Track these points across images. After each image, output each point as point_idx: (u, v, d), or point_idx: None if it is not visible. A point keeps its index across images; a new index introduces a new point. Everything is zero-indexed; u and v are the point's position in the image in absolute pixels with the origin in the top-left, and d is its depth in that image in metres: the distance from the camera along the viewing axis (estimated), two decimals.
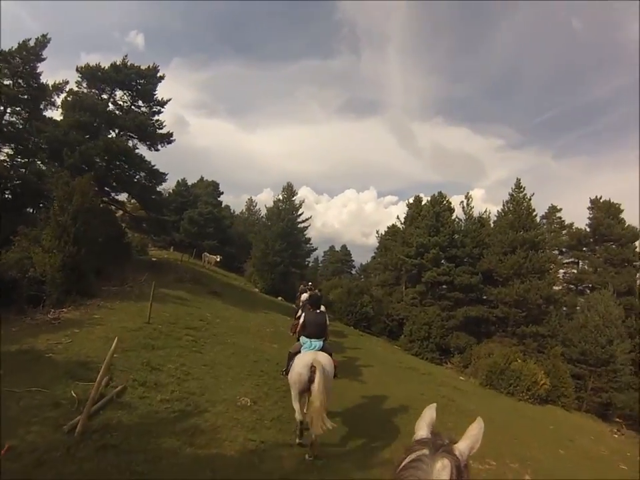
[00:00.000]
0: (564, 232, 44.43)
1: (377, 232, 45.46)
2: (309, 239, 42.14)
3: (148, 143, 27.84)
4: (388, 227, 46.01)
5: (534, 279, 30.95)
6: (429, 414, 1.61)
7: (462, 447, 1.41)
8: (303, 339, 7.90)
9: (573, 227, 44.13)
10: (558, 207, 45.89)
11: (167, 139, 28.79)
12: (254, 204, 63.61)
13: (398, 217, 42.36)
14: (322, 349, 7.66)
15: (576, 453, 14.50)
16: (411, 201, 41.36)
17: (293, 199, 39.84)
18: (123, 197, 28.17)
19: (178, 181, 55.34)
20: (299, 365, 7.15)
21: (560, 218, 46.06)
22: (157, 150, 28.47)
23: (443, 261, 34.74)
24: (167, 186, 44.46)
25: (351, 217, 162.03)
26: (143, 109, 28.16)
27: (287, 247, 36.41)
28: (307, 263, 46.91)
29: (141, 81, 27.23)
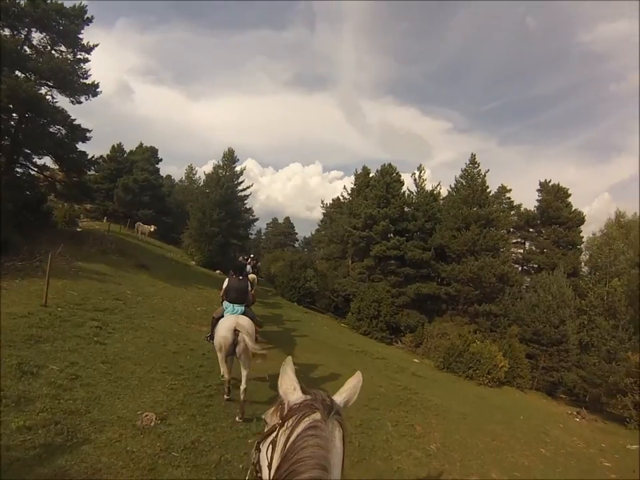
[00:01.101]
0: (512, 212, 43.63)
1: (322, 202, 43.21)
2: (250, 209, 39.52)
3: (67, 92, 24.23)
4: (333, 199, 43.84)
5: (487, 257, 29.74)
6: (290, 368, 1.62)
7: (339, 400, 1.49)
8: (225, 303, 8.24)
9: (522, 208, 43.51)
10: (507, 187, 44.88)
11: (92, 89, 25.14)
12: (194, 172, 59.63)
13: (345, 188, 39.90)
14: (244, 314, 7.87)
15: (556, 450, 13.00)
16: (359, 171, 39.04)
17: (234, 165, 36.89)
18: (47, 161, 24.58)
19: (113, 146, 50.69)
20: (223, 329, 7.34)
21: (509, 198, 45.20)
22: (79, 102, 24.76)
23: (392, 235, 33.00)
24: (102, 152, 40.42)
25: (295, 191, 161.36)
26: (67, 56, 24.48)
27: (225, 217, 33.62)
28: (249, 234, 44.19)
29: (63, 21, 23.48)
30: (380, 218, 31.95)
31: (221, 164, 36.78)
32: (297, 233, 79.84)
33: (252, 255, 38.73)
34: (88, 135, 24.84)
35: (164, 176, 58.35)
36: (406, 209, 34.37)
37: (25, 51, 22.55)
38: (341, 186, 69.85)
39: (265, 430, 1.50)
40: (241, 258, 19.37)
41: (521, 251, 42.48)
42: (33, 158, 23.52)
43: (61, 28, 23.43)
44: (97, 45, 24.94)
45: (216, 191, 34.45)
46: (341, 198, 42.77)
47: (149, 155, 48.92)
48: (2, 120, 20.23)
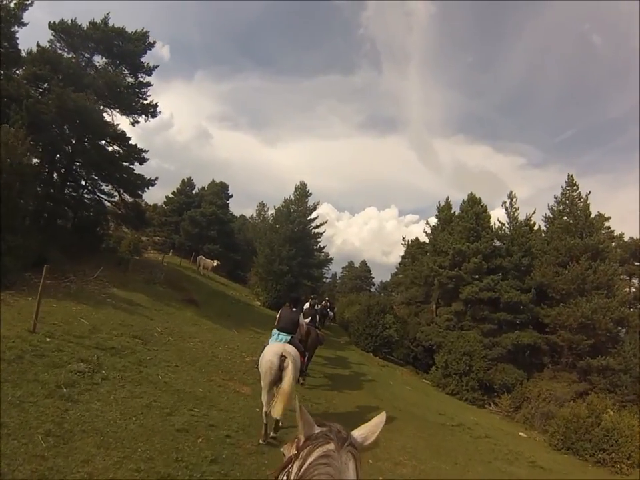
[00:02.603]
0: (613, 244, 36.99)
1: (403, 239, 38.49)
2: (323, 247, 35.54)
3: (124, 110, 22.44)
4: (411, 240, 39.23)
5: (600, 297, 24.14)
6: (304, 412, 1.51)
7: (356, 435, 1.48)
8: (274, 331, 8.31)
9: (623, 239, 37.01)
10: (606, 215, 37.91)
11: (151, 110, 23.38)
12: (265, 209, 57.40)
13: (427, 223, 35.08)
14: (290, 343, 7.80)
15: None
16: (442, 203, 34.59)
17: (306, 200, 33.55)
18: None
19: (183, 180, 50.14)
20: (269, 354, 7.33)
21: (609, 228, 38.28)
22: (136, 122, 23.44)
23: (484, 274, 27.92)
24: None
25: (371, 235, 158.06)
26: (129, 78, 22.87)
27: (296, 254, 30.10)
28: (323, 274, 40.52)
29: (123, 44, 21.95)
30: (471, 254, 27.26)
31: (293, 199, 33.53)
32: (373, 277, 76.63)
33: (327, 298, 36.22)
34: (144, 155, 22.79)
35: (238, 215, 57.24)
36: (496, 243, 29.48)
37: (84, 70, 21.02)
38: (416, 230, 66.04)
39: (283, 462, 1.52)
40: (311, 300, 16.66)
41: (629, 289, 35.21)
42: (86, 177, 21.81)
43: (121, 49, 21.98)
44: (157, 67, 23.65)
45: (286, 226, 31.26)
46: (420, 239, 38.38)
47: (218, 190, 47.11)
48: (51, 132, 18.40)
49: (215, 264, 32.99)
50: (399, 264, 49.69)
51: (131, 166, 22.50)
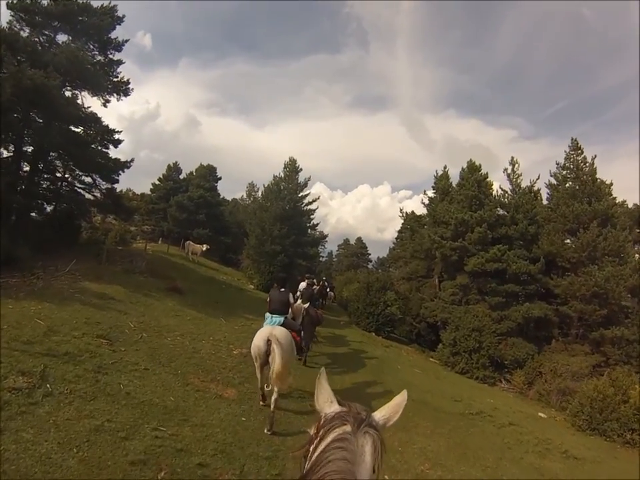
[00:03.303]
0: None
1: (401, 211, 36.47)
2: (317, 225, 33.76)
3: (92, 89, 20.50)
4: (408, 213, 37.27)
5: (613, 264, 22.68)
6: (325, 381, 1.61)
7: (378, 417, 1.47)
8: (266, 314, 8.37)
9: (627, 204, 35.31)
10: (607, 182, 36.13)
11: (122, 87, 21.48)
12: (256, 189, 55.46)
13: (422, 202, 33.20)
14: (283, 324, 7.99)
15: None
16: (440, 172, 32.75)
17: (296, 176, 31.73)
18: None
19: (169, 165, 47.84)
20: (257, 339, 7.48)
21: (611, 195, 36.49)
22: (107, 101, 21.37)
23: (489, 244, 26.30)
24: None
25: (365, 213, 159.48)
26: (98, 57, 20.98)
27: (288, 233, 28.50)
28: (318, 252, 38.87)
29: (88, 19, 19.90)
30: (474, 223, 25.56)
31: (282, 175, 31.71)
32: (369, 254, 75.20)
33: (324, 278, 34.81)
34: (117, 136, 20.95)
35: (229, 199, 55.47)
36: (500, 212, 27.76)
37: (42, 47, 19.07)
38: (410, 205, 64.59)
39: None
40: (306, 279, 16.30)
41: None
42: (54, 164, 20.04)
43: (86, 24, 19.98)
44: (127, 41, 21.57)
45: (276, 204, 29.59)
46: (416, 213, 36.67)
47: (206, 172, 45.13)
48: (8, 116, 16.51)
49: (204, 248, 31.21)
50: (396, 239, 49.53)
51: (105, 149, 20.77)
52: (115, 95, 21.44)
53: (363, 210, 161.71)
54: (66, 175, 20.30)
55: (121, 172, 21.10)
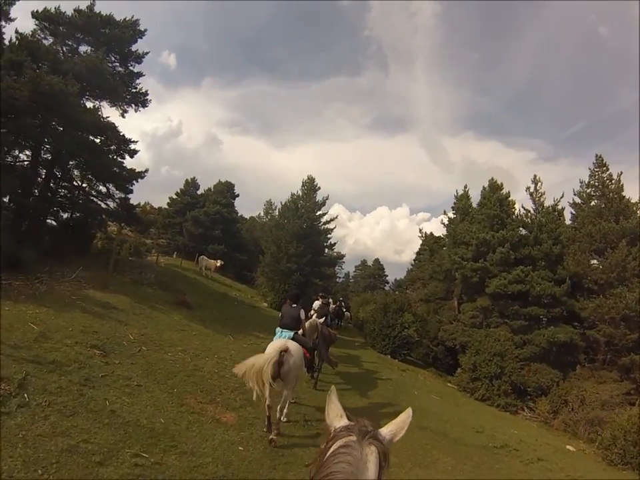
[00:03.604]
0: None
1: (420, 231, 35.58)
2: (334, 244, 32.67)
3: (109, 98, 20.26)
4: (427, 234, 36.40)
5: None
6: (335, 397, 1.63)
7: (385, 432, 1.49)
8: (277, 329, 8.32)
9: None
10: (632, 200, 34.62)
11: (140, 99, 21.27)
12: (273, 207, 55.01)
13: (442, 222, 32.38)
14: (292, 339, 7.81)
15: None
16: (460, 192, 32.04)
17: (314, 195, 31.11)
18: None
19: (186, 180, 47.80)
20: (269, 349, 7.35)
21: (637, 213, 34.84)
22: (125, 111, 21.09)
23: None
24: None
25: (383, 234, 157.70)
26: (119, 69, 20.93)
27: (304, 251, 27.76)
28: (335, 273, 38.06)
29: (110, 31, 19.81)
30: (496, 244, 24.60)
31: (300, 193, 31.13)
32: (387, 275, 74.34)
33: (341, 299, 34.14)
34: (132, 146, 20.65)
35: (247, 217, 55.45)
36: (522, 232, 26.67)
37: (64, 56, 18.97)
38: (428, 227, 63.80)
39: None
40: (320, 299, 16.65)
41: None
42: (70, 171, 19.75)
43: (108, 36, 19.90)
44: (147, 53, 21.40)
45: (293, 222, 28.92)
46: (434, 235, 35.93)
47: (223, 189, 44.83)
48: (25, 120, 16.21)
49: (218, 264, 30.72)
50: (414, 260, 48.60)
51: (121, 159, 20.47)
52: (133, 105, 21.21)
53: (381, 232, 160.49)
54: (83, 184, 20.02)
55: (135, 182, 20.79)
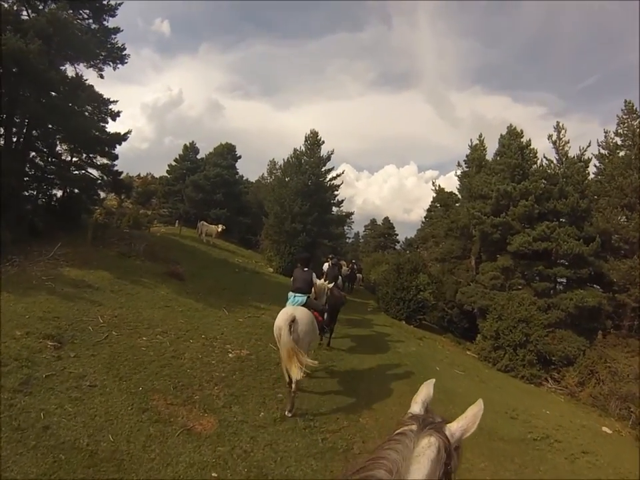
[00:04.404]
0: None
1: (433, 183, 33.18)
2: (342, 201, 30.57)
3: (82, 57, 18.08)
4: (439, 186, 33.92)
5: None
6: (426, 390, 1.59)
7: (454, 427, 1.38)
8: (289, 293, 8.03)
9: None
10: None
11: (117, 54, 19.13)
12: (277, 167, 52.61)
13: (456, 174, 30.43)
14: (305, 304, 7.67)
15: None
16: (475, 141, 29.84)
17: (319, 150, 28.91)
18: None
19: (185, 145, 45.00)
20: (279, 319, 7.11)
21: None
22: (100, 70, 18.91)
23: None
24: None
25: (392, 193, 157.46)
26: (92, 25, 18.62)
27: (310, 210, 25.86)
28: (344, 232, 36.36)
29: None
30: (518, 196, 22.48)
31: (304, 149, 29.01)
32: (397, 234, 71.57)
33: (353, 261, 32.71)
34: (113, 107, 18.84)
35: (253, 182, 53.60)
36: (544, 184, 24.06)
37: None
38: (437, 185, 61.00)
39: None
40: (329, 260, 16.51)
41: None
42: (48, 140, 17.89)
43: None
44: (121, 4, 18.89)
45: (297, 179, 26.95)
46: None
47: (223, 150, 42.60)
48: None
49: (219, 229, 28.91)
50: (425, 218, 47.27)
51: (102, 123, 18.60)
52: (110, 63, 19.08)
53: (389, 190, 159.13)
54: (60, 153, 18.22)
55: (117, 145, 18.99)
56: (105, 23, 18.58)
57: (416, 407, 1.47)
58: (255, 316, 12.52)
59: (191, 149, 44.78)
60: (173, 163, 44.42)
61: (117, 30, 18.84)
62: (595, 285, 22.65)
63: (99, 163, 18.78)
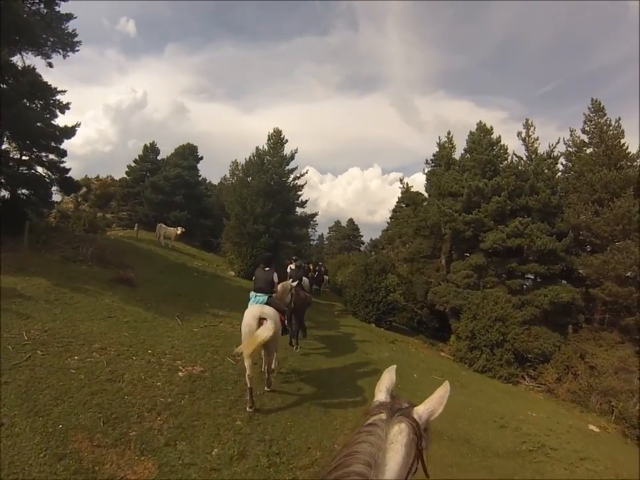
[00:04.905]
0: None
1: (401, 180, 32.35)
2: (305, 202, 29.15)
3: (25, 43, 16.62)
4: (407, 184, 33.10)
5: None
6: (389, 377, 1.58)
7: (421, 410, 1.39)
8: (251, 293, 7.90)
9: None
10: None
11: (68, 40, 17.72)
12: (239, 167, 51.09)
13: (427, 162, 30.07)
14: (267, 303, 7.51)
15: None
16: (443, 138, 29.27)
17: (282, 149, 27.64)
18: None
19: (145, 145, 42.98)
20: (248, 317, 7.08)
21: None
22: (48, 57, 17.44)
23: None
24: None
25: (356, 195, 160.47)
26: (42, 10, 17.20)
27: (272, 210, 24.60)
28: (307, 233, 35.21)
29: None
30: (490, 192, 21.83)
31: (266, 148, 27.68)
32: (362, 236, 71.87)
33: (320, 263, 31.74)
34: (60, 98, 17.41)
35: (216, 184, 51.76)
36: (514, 180, 23.29)
37: None
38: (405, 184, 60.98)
39: None
40: (293, 262, 14.35)
41: None
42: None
43: None
44: None
45: (259, 178, 25.65)
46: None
47: (184, 151, 40.82)
48: None
49: (178, 232, 27.36)
50: (390, 218, 46.42)
51: (49, 115, 17.12)
52: (60, 51, 17.62)
53: (353, 193, 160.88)
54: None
55: (65, 139, 17.44)
56: (56, 8, 17.28)
57: (381, 395, 1.45)
58: (212, 325, 11.19)
59: (151, 150, 42.97)
60: (133, 164, 42.45)
61: (69, 16, 17.56)
62: (563, 281, 22.34)
63: (44, 160, 17.29)
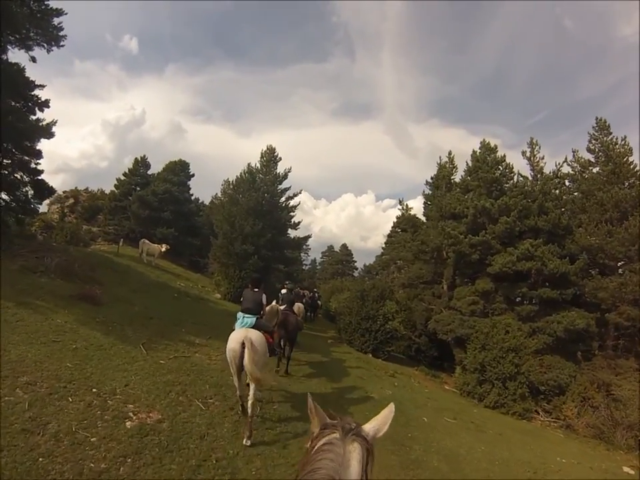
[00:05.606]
0: None
1: (400, 202, 30.84)
2: (298, 223, 27.59)
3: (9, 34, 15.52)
4: (407, 206, 31.66)
5: None
6: (313, 402, 1.58)
7: (368, 428, 1.48)
8: (238, 314, 7.77)
9: None
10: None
11: (53, 35, 16.67)
12: (231, 186, 49.70)
13: (427, 183, 28.53)
14: (255, 326, 7.40)
15: None
16: (444, 158, 27.89)
17: (275, 167, 26.30)
18: None
19: (136, 159, 41.47)
20: (232, 341, 6.93)
21: None
22: (30, 49, 16.18)
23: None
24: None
25: (349, 221, 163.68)
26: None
27: (263, 231, 23.02)
28: (300, 257, 33.67)
29: None
30: (497, 212, 20.28)
31: (259, 166, 26.23)
32: (355, 261, 72.04)
33: (315, 290, 30.44)
34: (39, 93, 16.15)
35: (207, 204, 50.23)
36: (522, 200, 22.11)
37: None
38: (394, 214, 60.37)
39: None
40: (285, 288, 13.93)
41: None
42: None
43: None
44: None
45: (249, 195, 24.09)
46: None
47: (174, 166, 39.31)
48: None
49: (162, 249, 25.67)
50: (385, 244, 47.35)
51: (27, 111, 15.93)
52: (44, 45, 16.44)
53: (346, 218, 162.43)
54: None
55: (43, 138, 16.08)
56: (46, 2, 16.18)
57: (325, 419, 1.48)
58: (184, 355, 9.36)
59: (141, 163, 41.44)
60: (122, 178, 40.82)
61: (59, 12, 16.39)
62: (573, 306, 20.88)
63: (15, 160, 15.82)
